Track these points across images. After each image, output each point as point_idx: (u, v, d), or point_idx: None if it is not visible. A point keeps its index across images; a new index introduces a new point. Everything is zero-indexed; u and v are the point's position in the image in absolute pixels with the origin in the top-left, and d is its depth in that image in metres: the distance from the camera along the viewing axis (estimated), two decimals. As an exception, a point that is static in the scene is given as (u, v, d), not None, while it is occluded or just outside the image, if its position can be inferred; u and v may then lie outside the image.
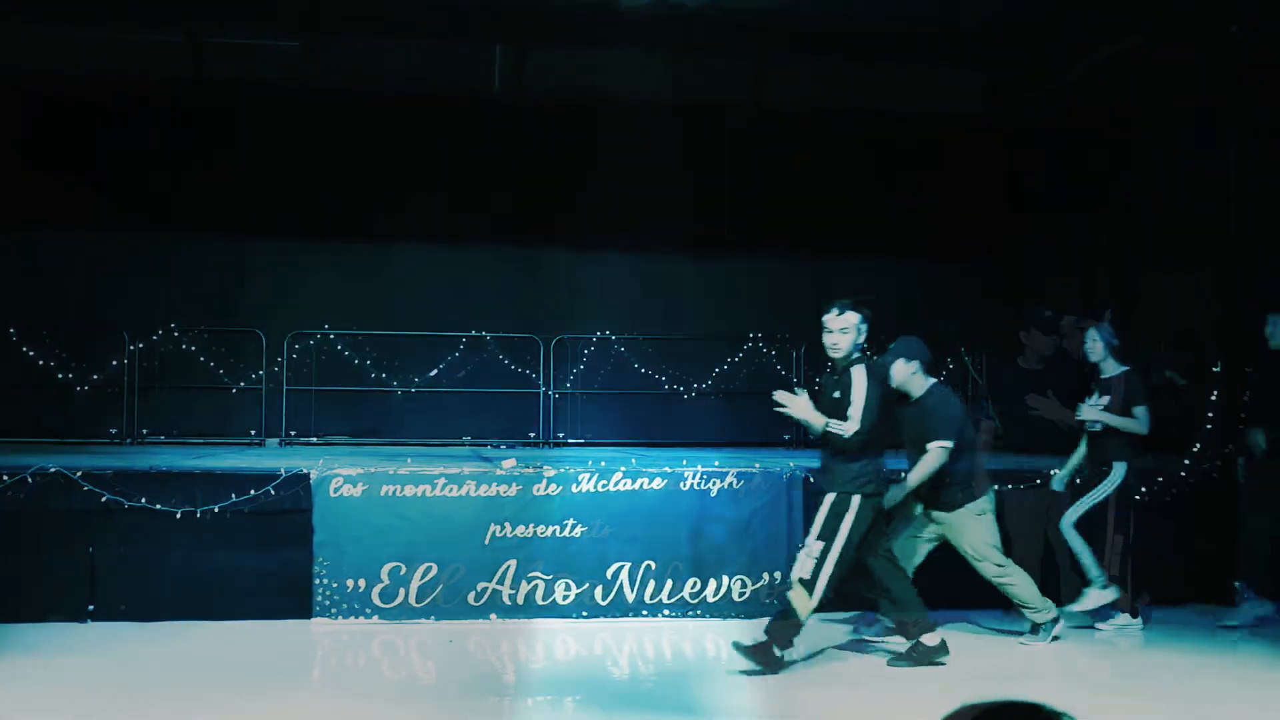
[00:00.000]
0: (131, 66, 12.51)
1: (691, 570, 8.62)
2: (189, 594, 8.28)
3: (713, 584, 8.63)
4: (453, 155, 12.57)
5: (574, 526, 8.51)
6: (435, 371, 12.76)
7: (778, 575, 8.65)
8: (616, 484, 8.59)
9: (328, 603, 8.26)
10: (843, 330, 7.09)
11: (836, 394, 7.06)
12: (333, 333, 12.60)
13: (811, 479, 8.70)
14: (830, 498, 7.05)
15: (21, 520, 8.16)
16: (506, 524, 8.45)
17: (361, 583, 8.30)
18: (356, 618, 8.27)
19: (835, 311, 7.12)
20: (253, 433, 12.39)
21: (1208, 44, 11.22)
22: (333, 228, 12.73)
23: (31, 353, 12.15)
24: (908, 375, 7.82)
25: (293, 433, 12.31)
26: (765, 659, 6.92)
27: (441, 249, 12.85)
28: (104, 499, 8.19)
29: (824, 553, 6.92)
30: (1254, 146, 11.05)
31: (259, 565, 8.37)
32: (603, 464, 8.71)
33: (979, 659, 7.56)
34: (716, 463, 8.88)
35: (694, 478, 8.71)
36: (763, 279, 13.30)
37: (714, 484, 8.71)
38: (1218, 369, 10.09)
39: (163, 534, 8.26)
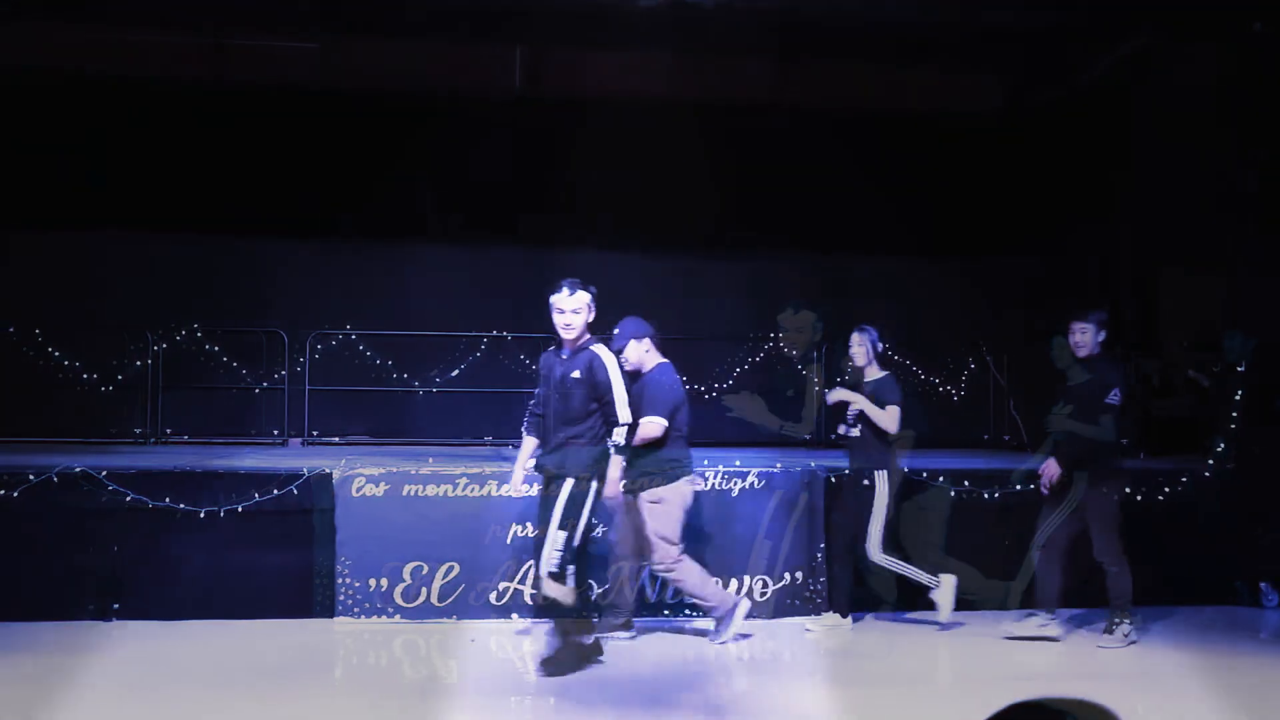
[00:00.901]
0: (154, 68, 12.58)
1: (713, 570, 8.58)
2: (212, 593, 8.32)
3: (734, 584, 8.62)
4: (474, 155, 12.61)
5: (597, 527, 8.50)
6: (457, 371, 12.79)
7: (799, 575, 8.67)
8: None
9: (350, 602, 8.29)
10: (575, 311, 7.05)
11: (576, 374, 6.97)
12: (355, 333, 12.65)
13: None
14: (569, 484, 6.93)
15: (48, 519, 8.22)
16: (529, 524, 8.46)
17: (384, 582, 8.33)
18: (379, 617, 8.30)
19: (566, 291, 7.06)
20: (275, 432, 12.45)
21: (1228, 42, 11.17)
22: (355, 228, 12.79)
23: (57, 353, 12.24)
24: (642, 353, 7.89)
25: (315, 432, 12.36)
26: (576, 656, 6.99)
27: (463, 248, 12.88)
28: (128, 498, 8.25)
29: (567, 542, 6.88)
30: (1275, 145, 11.00)
31: (282, 564, 8.41)
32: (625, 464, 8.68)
33: (1006, 659, 7.55)
34: (738, 462, 8.87)
35: (715, 478, 8.70)
36: (782, 278, 13.29)
37: (735, 484, 8.70)
38: (1242, 368, 10.04)
39: (186, 533, 8.31)
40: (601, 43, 12.46)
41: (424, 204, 12.76)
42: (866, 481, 8.21)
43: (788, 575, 8.70)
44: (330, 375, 12.58)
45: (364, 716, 6.26)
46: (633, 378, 7.77)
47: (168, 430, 12.28)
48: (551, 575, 6.82)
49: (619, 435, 6.95)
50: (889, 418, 8.18)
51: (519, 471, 7.49)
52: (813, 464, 9.01)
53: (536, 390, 7.34)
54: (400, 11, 11.65)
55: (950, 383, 13.18)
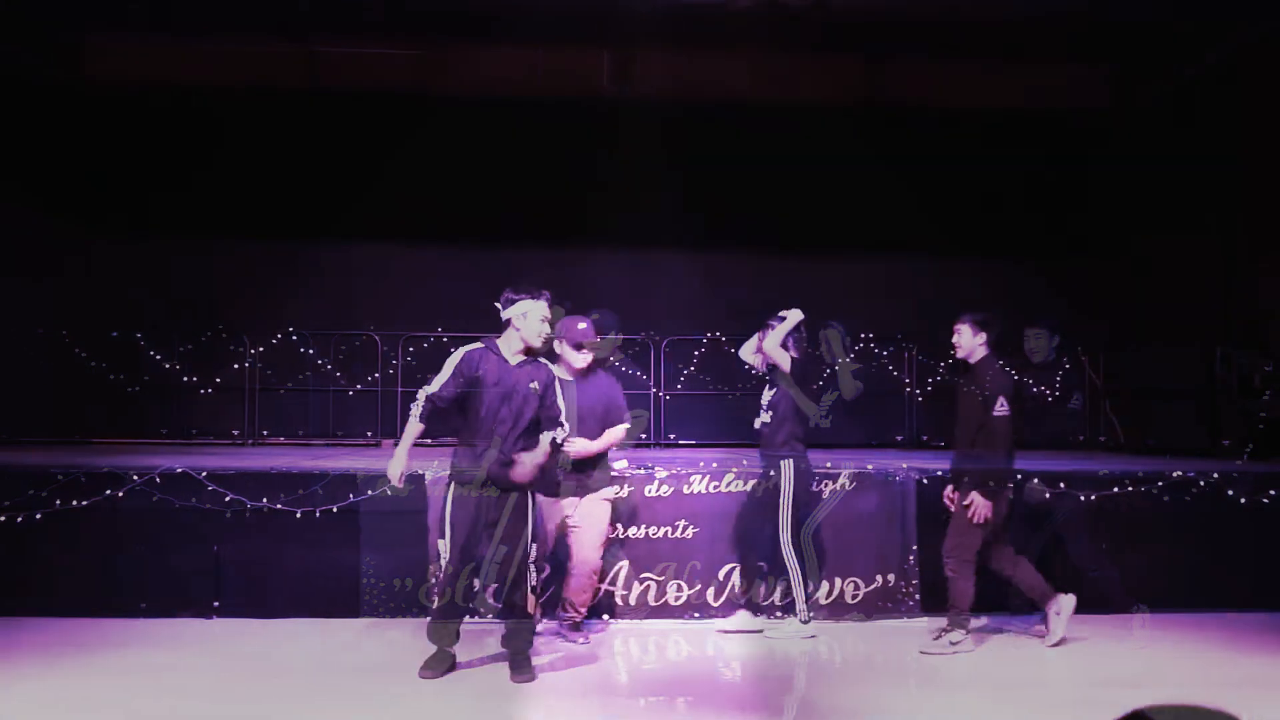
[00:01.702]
0: (253, 77, 12.83)
1: (805, 572, 8.58)
2: (308, 591, 8.47)
3: (825, 586, 8.59)
4: (568, 157, 12.66)
5: (686, 528, 8.54)
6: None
7: (891, 577, 8.61)
8: (729, 485, 8.58)
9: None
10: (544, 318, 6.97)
11: (534, 385, 6.87)
12: (446, 335, 12.77)
13: (775, 475, 8.67)
14: (514, 498, 6.84)
15: (151, 518, 8.44)
16: (619, 525, 8.50)
17: (476, 583, 8.39)
18: (474, 617, 8.36)
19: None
20: (368, 434, 12.62)
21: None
22: (448, 230, 12.92)
23: (158, 356, 12.52)
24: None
25: (408, 434, 12.49)
26: (440, 662, 6.94)
27: (559, 250, 12.92)
28: (228, 499, 8.42)
29: (507, 557, 6.80)
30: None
31: (377, 564, 8.52)
32: (715, 465, 8.70)
33: (1096, 664, 7.43)
34: (829, 464, 8.81)
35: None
36: (877, 279, 13.19)
37: (826, 485, 8.65)
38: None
39: (283, 533, 8.48)
40: (692, 43, 12.42)
41: (518, 205, 12.81)
42: (773, 472, 8.06)
43: (879, 578, 8.65)
44: (422, 377, 12.70)
45: (460, 716, 6.33)
46: (583, 373, 7.82)
47: (264, 432, 12.51)
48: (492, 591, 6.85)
49: (560, 433, 6.90)
50: (772, 342, 8.08)
51: (403, 463, 7.01)
52: (905, 465, 8.94)
53: (442, 383, 6.96)
54: (494, 17, 11.74)
55: (1043, 384, 12.95)
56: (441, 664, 6.94)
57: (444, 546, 6.88)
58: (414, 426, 6.97)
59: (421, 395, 6.97)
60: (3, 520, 8.32)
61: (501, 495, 6.84)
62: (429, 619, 7.03)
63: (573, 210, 12.82)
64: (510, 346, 6.94)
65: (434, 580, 6.92)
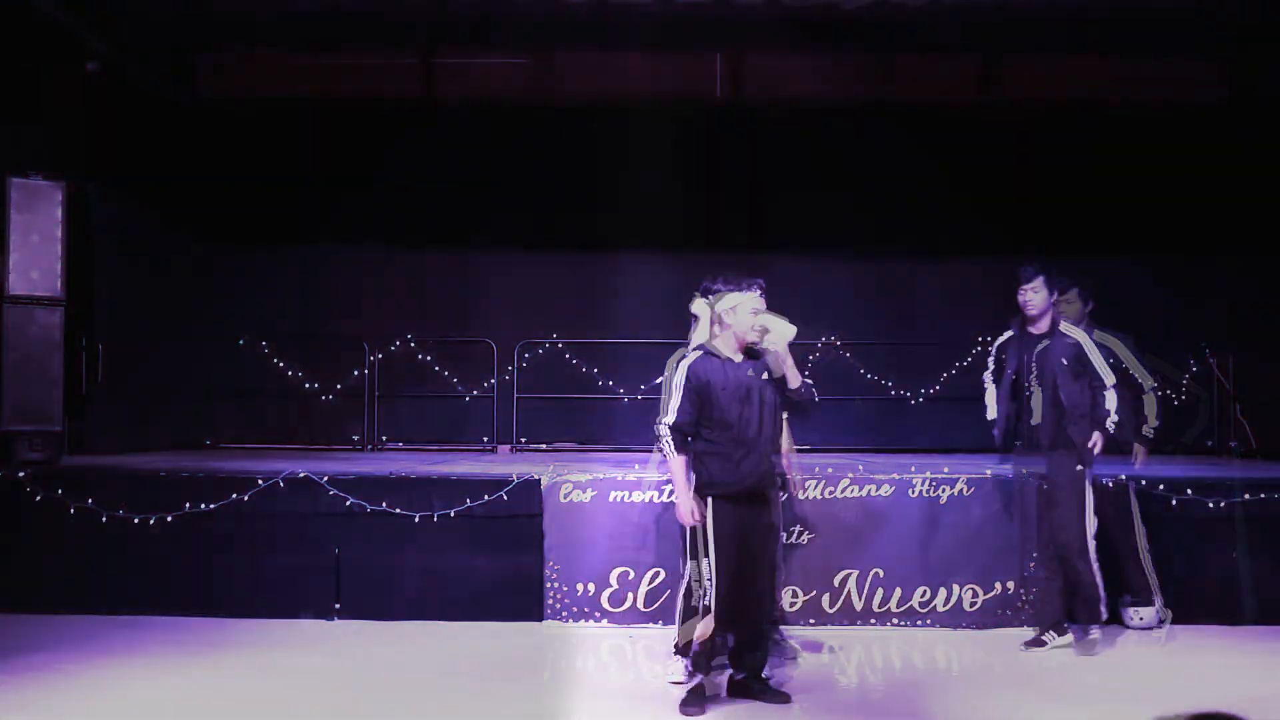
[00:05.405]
0: (367, 88, 13.04)
1: (921, 579, 8.47)
2: (426, 595, 8.60)
3: (943, 593, 8.46)
4: (676, 162, 12.64)
5: (801, 533, 8.47)
6: (660, 379, 12.84)
7: (1010, 585, 8.46)
8: (844, 490, 8.50)
9: (558, 605, 8.45)
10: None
11: (765, 375, 6.47)
12: (560, 341, 12.85)
13: (1044, 486, 8.49)
14: (773, 504, 6.58)
15: (275, 521, 8.64)
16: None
17: (591, 587, 8.46)
18: (586, 621, 8.43)
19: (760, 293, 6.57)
20: (485, 439, 12.75)
21: None
22: (561, 237, 12.99)
23: (281, 364, 12.80)
24: None
25: (523, 439, 12.60)
26: (700, 697, 6.44)
27: (668, 256, 12.91)
28: (348, 503, 8.58)
29: (703, 570, 6.34)
30: None
31: (492, 568, 8.61)
32: (830, 470, 8.63)
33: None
34: (946, 469, 8.70)
35: (923, 484, 8.56)
36: (993, 280, 12.91)
37: (943, 491, 8.53)
38: None
39: (402, 537, 8.61)
40: (801, 47, 12.34)
41: (629, 210, 12.82)
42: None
43: (998, 585, 8.49)
44: (538, 383, 12.80)
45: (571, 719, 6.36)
46: None
47: (383, 437, 12.71)
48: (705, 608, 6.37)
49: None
50: None
51: (690, 499, 6.41)
52: (1025, 471, 8.75)
53: (679, 408, 6.38)
54: (603, 24, 11.80)
55: (1168, 386, 12.61)
56: (703, 695, 6.45)
57: (708, 567, 6.32)
58: (677, 461, 6.40)
59: (663, 429, 6.44)
60: (134, 522, 8.59)
61: (766, 502, 6.52)
62: (693, 648, 6.45)
63: (682, 213, 12.78)
64: (727, 345, 6.50)
65: (699, 602, 6.39)
